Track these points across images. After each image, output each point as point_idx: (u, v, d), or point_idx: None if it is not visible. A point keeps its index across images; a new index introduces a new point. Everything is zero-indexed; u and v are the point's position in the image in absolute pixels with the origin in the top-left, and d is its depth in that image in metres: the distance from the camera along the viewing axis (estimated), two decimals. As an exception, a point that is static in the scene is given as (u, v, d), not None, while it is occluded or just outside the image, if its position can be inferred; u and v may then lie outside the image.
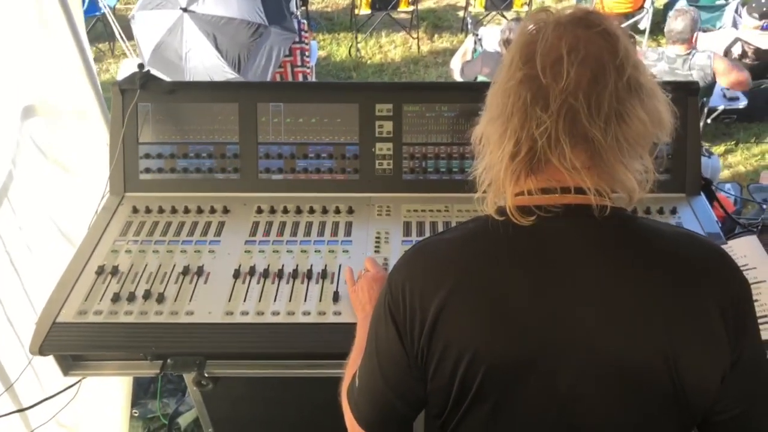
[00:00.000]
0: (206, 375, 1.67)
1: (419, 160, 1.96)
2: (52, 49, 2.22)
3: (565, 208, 1.01)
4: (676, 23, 4.58)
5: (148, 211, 1.88)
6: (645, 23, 7.33)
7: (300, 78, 5.97)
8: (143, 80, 1.90)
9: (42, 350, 1.53)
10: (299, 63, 5.82)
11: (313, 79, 6.06)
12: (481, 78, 5.06)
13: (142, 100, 1.92)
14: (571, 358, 1.00)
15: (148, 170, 1.94)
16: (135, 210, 1.89)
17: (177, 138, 1.95)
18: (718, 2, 7.23)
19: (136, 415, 2.72)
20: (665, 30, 4.77)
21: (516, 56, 1.00)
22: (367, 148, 1.95)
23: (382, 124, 1.95)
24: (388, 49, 7.46)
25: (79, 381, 1.83)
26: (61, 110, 2.34)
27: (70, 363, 1.67)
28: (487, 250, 1.05)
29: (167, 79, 4.68)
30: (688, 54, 4.60)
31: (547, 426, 1.04)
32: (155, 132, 1.94)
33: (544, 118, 0.95)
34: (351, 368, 1.28)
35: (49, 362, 1.71)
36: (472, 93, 1.95)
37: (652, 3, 7.24)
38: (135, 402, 2.71)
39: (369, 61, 7.22)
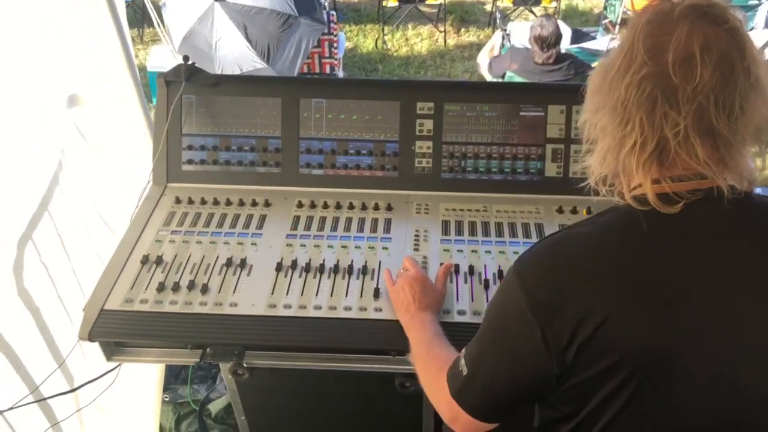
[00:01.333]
0: (244, 365, 1.71)
1: (458, 159, 1.97)
2: (94, 37, 2.25)
3: (705, 193, 1.04)
4: None
5: (190, 202, 1.91)
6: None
7: (327, 69, 6.01)
8: (188, 73, 1.92)
9: (90, 336, 1.57)
10: (327, 54, 5.85)
11: (341, 71, 6.08)
12: (509, 74, 5.05)
13: (187, 92, 1.95)
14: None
15: (190, 161, 1.98)
16: (178, 200, 1.92)
17: (220, 130, 1.97)
18: (750, 2, 7.13)
19: (167, 399, 2.76)
20: None
21: (639, 48, 1.01)
22: (407, 146, 1.97)
23: (423, 123, 1.96)
24: (415, 41, 7.45)
25: (119, 366, 1.87)
26: (102, 98, 2.39)
27: (113, 348, 1.71)
28: (638, 240, 1.07)
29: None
30: None
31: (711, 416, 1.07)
32: (198, 124, 1.97)
33: (675, 118, 0.99)
34: (427, 357, 1.39)
35: (93, 346, 1.77)
36: (513, 94, 1.99)
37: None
38: (166, 387, 2.76)
39: (395, 54, 7.22)
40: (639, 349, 1.03)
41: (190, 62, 1.95)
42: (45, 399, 1.81)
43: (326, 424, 2.20)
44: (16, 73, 1.89)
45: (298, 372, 1.94)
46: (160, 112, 1.95)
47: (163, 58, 6.04)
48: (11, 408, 1.63)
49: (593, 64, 5.47)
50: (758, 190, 3.80)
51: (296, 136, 1.97)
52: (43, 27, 2.03)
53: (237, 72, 5.11)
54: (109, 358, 1.72)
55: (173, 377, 2.82)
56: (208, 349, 1.64)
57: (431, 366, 1.35)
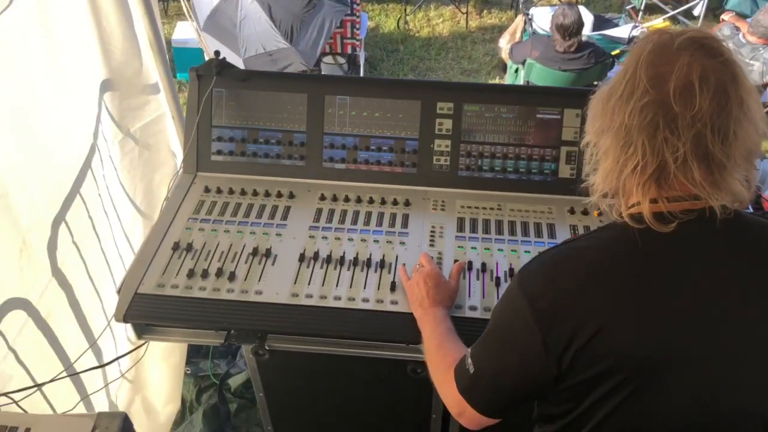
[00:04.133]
0: (266, 347, 1.82)
1: (475, 158, 2.05)
2: (126, 22, 2.33)
3: (698, 213, 1.12)
4: (765, 18, 4.57)
5: (219, 191, 2.01)
6: (699, 9, 7.19)
7: (348, 50, 6.04)
8: (219, 67, 2.01)
9: (125, 318, 1.68)
10: (349, 35, 5.88)
11: (362, 51, 6.11)
12: (529, 61, 5.07)
13: (218, 85, 2.03)
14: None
15: (219, 152, 2.07)
16: (207, 189, 2.02)
17: (248, 123, 2.07)
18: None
19: (188, 372, 2.89)
20: (753, 19, 4.74)
21: (642, 76, 1.09)
22: (426, 144, 2.05)
23: (442, 122, 2.04)
24: (437, 22, 7.44)
25: (146, 342, 1.99)
26: (132, 83, 2.47)
27: (144, 328, 1.82)
28: (633, 256, 1.15)
29: (220, 45, 4.77)
30: (759, 47, 4.58)
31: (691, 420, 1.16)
32: (228, 116, 2.06)
33: (675, 143, 1.07)
34: (437, 353, 1.47)
35: (123, 325, 1.88)
36: (531, 96, 2.05)
37: (710, -11, 7.07)
38: (188, 360, 2.89)
39: (417, 35, 7.22)
40: (630, 357, 1.12)
41: (220, 57, 2.03)
42: (78, 373, 1.93)
43: (340, 404, 2.31)
44: (54, 57, 1.97)
45: (315, 355, 2.05)
46: (192, 104, 2.04)
47: (187, 33, 6.12)
48: (51, 380, 1.74)
49: (614, 52, 5.48)
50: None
51: (320, 131, 2.05)
52: (75, 10, 2.10)
53: (261, 51, 5.16)
54: (139, 336, 1.84)
55: (195, 351, 2.95)
56: (232, 332, 1.76)
57: (441, 362, 1.44)
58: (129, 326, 2.35)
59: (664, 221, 1.12)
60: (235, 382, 2.80)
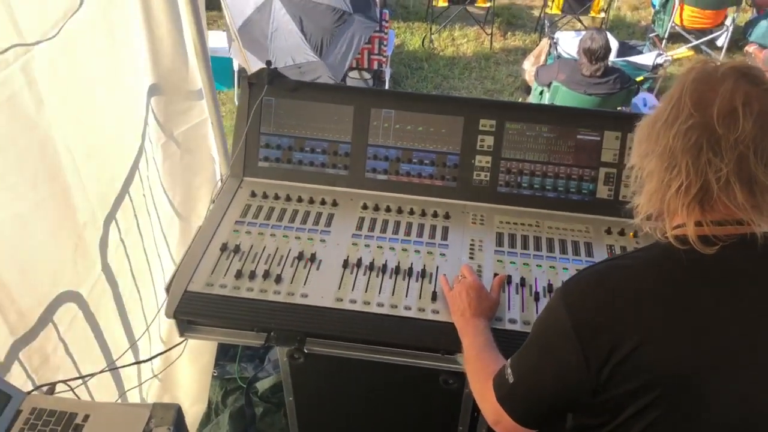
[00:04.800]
0: (304, 351, 1.86)
1: (515, 175, 2.10)
2: (176, 30, 2.40)
3: (740, 238, 1.16)
4: None
5: (265, 196, 2.07)
6: (723, 41, 7.25)
7: (375, 65, 6.13)
8: (271, 77, 2.08)
9: (175, 314, 1.73)
10: (376, 51, 5.98)
11: (388, 68, 6.20)
12: (555, 84, 5.13)
13: (268, 94, 2.10)
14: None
15: (266, 158, 2.14)
16: (253, 194, 2.08)
17: (295, 132, 2.13)
18: None
19: (215, 375, 2.94)
20: (766, 54, 4.77)
21: (686, 101, 1.14)
22: (467, 159, 2.10)
23: (484, 138, 2.09)
24: (461, 42, 7.54)
25: (185, 341, 2.04)
26: (178, 89, 2.54)
27: (186, 326, 1.87)
28: (675, 275, 1.19)
29: (250, 55, 4.85)
30: None
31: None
32: (276, 124, 2.13)
33: (719, 165, 1.11)
34: (477, 362, 1.51)
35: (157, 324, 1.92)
36: (572, 117, 2.11)
37: (734, 21, 7.13)
38: (215, 363, 2.93)
39: (441, 54, 7.31)
40: (667, 375, 1.16)
41: (272, 67, 2.09)
42: (122, 367, 1.98)
43: (368, 412, 2.35)
44: (113, 59, 2.04)
45: (348, 360, 2.09)
46: (242, 111, 2.11)
47: (217, 42, 6.22)
48: (100, 372, 1.80)
49: (638, 79, 5.53)
50: None
51: (365, 142, 2.11)
52: (132, 16, 2.17)
53: (290, 63, 5.25)
54: (182, 334, 1.89)
55: (222, 354, 2.99)
56: (272, 333, 1.80)
57: (481, 372, 1.48)
58: (164, 325, 2.43)
59: (708, 243, 1.15)
60: (262, 385, 2.83)
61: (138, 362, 2.01)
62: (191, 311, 1.76)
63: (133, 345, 2.03)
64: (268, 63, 2.11)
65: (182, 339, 1.95)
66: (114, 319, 2.13)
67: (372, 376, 2.20)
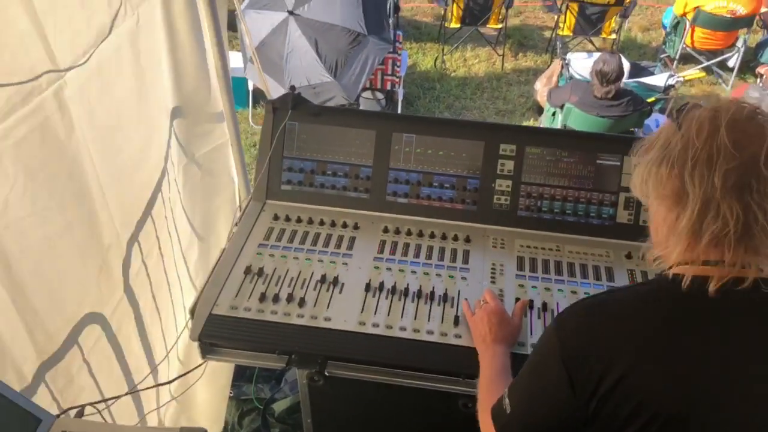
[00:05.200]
0: (326, 374, 1.86)
1: (535, 199, 2.11)
2: (199, 52, 2.44)
3: (742, 280, 1.14)
4: None
5: (287, 219, 2.09)
6: (734, 62, 7.27)
7: (388, 86, 6.18)
8: (294, 102, 2.10)
9: (200, 337, 1.75)
10: (390, 72, 6.04)
11: (401, 88, 6.24)
12: (568, 105, 5.16)
13: (291, 119, 2.13)
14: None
15: (289, 182, 2.16)
16: (276, 217, 2.10)
17: (318, 156, 2.15)
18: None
19: (231, 396, 2.94)
20: None
21: (724, 141, 1.11)
22: (487, 183, 2.12)
23: (504, 163, 2.11)
24: (473, 63, 7.59)
25: (205, 363, 2.05)
26: (200, 111, 2.57)
27: (208, 348, 1.88)
28: (666, 312, 1.19)
29: (266, 76, 4.89)
30: None
31: None
32: (299, 148, 2.15)
33: (763, 207, 1.10)
34: (486, 391, 1.48)
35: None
36: (592, 143, 2.12)
37: (745, 42, 7.16)
38: (231, 383, 2.93)
39: (453, 74, 7.36)
40: (655, 404, 1.14)
41: (296, 92, 2.12)
42: (144, 389, 1.99)
43: (387, 434, 2.35)
44: (139, 83, 2.07)
45: (367, 382, 2.10)
46: (266, 135, 2.14)
47: (234, 62, 6.30)
48: (126, 394, 1.80)
49: (649, 99, 5.55)
50: None
51: (386, 166, 2.13)
52: (157, 38, 2.21)
53: (305, 83, 5.30)
54: (204, 356, 1.90)
55: (239, 375, 3.00)
56: (293, 356, 1.81)
57: (486, 402, 1.46)
58: (182, 344, 2.44)
59: (705, 283, 1.14)
60: (279, 407, 2.83)
61: (159, 385, 2.02)
62: (216, 334, 1.77)
63: (154, 370, 2.03)
64: (293, 88, 2.14)
65: (202, 361, 1.97)
66: (135, 340, 2.14)
67: (391, 398, 2.19)
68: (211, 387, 2.70)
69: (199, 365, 2.06)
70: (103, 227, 1.87)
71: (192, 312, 1.82)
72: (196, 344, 1.78)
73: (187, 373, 2.12)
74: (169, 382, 2.02)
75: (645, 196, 1.25)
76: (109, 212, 1.90)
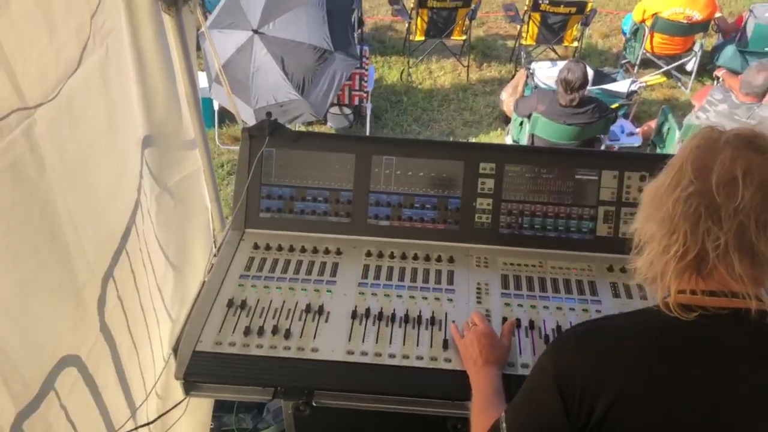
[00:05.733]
0: (313, 404, 1.83)
1: (516, 216, 2.11)
2: (169, 79, 2.39)
3: (733, 311, 1.14)
4: (756, 78, 4.73)
5: (268, 248, 2.05)
6: (692, 65, 7.44)
7: (356, 101, 6.17)
8: (271, 128, 2.07)
9: (186, 376, 1.69)
10: (357, 87, 6.03)
11: (369, 103, 6.24)
12: (535, 115, 5.21)
13: (269, 145, 2.09)
14: None
15: (268, 209, 2.12)
16: (256, 246, 2.06)
17: (296, 182, 2.12)
18: (766, 49, 7.31)
19: (212, 427, 2.87)
20: (742, 80, 4.89)
21: (688, 168, 1.14)
22: (468, 202, 2.11)
23: (485, 181, 2.11)
24: (438, 75, 7.63)
25: (187, 399, 1.99)
26: (172, 139, 2.52)
27: (191, 385, 1.83)
28: (658, 345, 1.18)
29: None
30: (753, 105, 4.75)
31: None
32: (277, 175, 2.12)
33: (717, 233, 1.10)
34: (481, 414, 1.48)
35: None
36: (570, 158, 2.13)
37: (701, 46, 7.34)
38: (212, 414, 2.86)
39: (419, 86, 7.39)
40: None
41: (273, 118, 2.09)
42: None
43: (375, 460, 2.31)
44: (110, 114, 2.02)
45: (356, 412, 2.06)
46: (243, 163, 2.10)
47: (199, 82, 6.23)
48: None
49: (613, 106, 5.63)
50: None
51: (366, 189, 2.11)
52: (126, 67, 2.16)
53: (272, 102, 5.26)
54: (187, 393, 1.84)
55: (219, 405, 2.93)
56: (279, 388, 1.77)
57: (482, 424, 1.45)
58: (161, 378, 2.37)
59: (688, 311, 1.14)
60: (262, 437, 2.78)
61: (139, 427, 1.95)
62: (201, 372, 1.72)
63: (135, 412, 1.97)
64: (269, 114, 2.11)
65: (185, 398, 1.91)
66: (112, 380, 2.07)
67: (378, 422, 2.16)
68: (191, 420, 2.63)
69: (181, 401, 2.01)
70: (77, 265, 1.80)
71: (175, 350, 1.77)
72: (177, 380, 1.72)
73: (169, 411, 2.07)
74: (150, 423, 1.95)
75: (645, 221, 1.24)
76: (83, 249, 1.84)
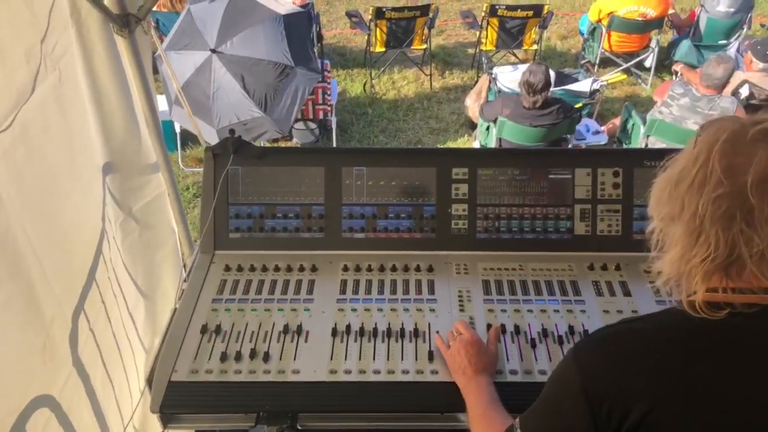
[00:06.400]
0: (299, 428, 1.76)
1: (492, 220, 2.08)
2: (125, 102, 2.32)
3: (762, 308, 1.09)
4: (716, 70, 4.79)
5: (239, 269, 1.99)
6: (650, 62, 7.57)
7: (321, 115, 6.13)
8: (236, 146, 2.01)
9: (162, 409, 1.62)
10: (321, 101, 6.00)
11: (333, 116, 6.20)
12: (501, 119, 5.22)
13: (234, 163, 2.03)
14: None
15: (237, 229, 2.06)
16: (227, 268, 1.99)
17: (265, 199, 2.06)
18: (720, 42, 7.48)
19: (194, 455, 2.77)
20: (702, 73, 4.95)
21: (716, 167, 1.07)
22: (443, 209, 2.08)
23: (458, 187, 2.08)
24: (401, 85, 7.63)
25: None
26: (132, 163, 2.44)
27: (170, 417, 1.75)
28: (688, 346, 1.13)
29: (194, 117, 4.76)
30: (714, 97, 4.82)
31: None
32: (245, 193, 2.06)
33: (752, 237, 1.05)
34: (482, 424, 1.45)
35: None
36: (542, 158, 2.11)
37: (658, 42, 7.47)
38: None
39: (383, 97, 7.38)
40: None
41: (236, 135, 2.03)
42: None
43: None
44: (68, 141, 1.94)
45: (341, 430, 2.00)
46: (208, 183, 2.03)
47: (159, 105, 6.13)
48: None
49: (576, 106, 5.69)
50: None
51: (339, 202, 2.06)
52: (82, 93, 2.08)
53: (234, 121, 5.19)
54: (165, 426, 1.76)
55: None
56: (261, 413, 1.70)
57: (486, 431, 1.43)
58: (137, 412, 2.28)
59: (716, 309, 1.10)
60: (248, 463, 2.68)
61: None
62: (178, 403, 1.65)
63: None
64: (232, 132, 2.05)
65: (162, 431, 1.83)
66: (88, 416, 1.98)
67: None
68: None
69: (161, 434, 1.93)
70: (43, 301, 1.72)
71: (149, 381, 1.69)
72: (153, 413, 1.64)
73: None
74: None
75: (667, 221, 1.18)
76: (49, 283, 1.75)
